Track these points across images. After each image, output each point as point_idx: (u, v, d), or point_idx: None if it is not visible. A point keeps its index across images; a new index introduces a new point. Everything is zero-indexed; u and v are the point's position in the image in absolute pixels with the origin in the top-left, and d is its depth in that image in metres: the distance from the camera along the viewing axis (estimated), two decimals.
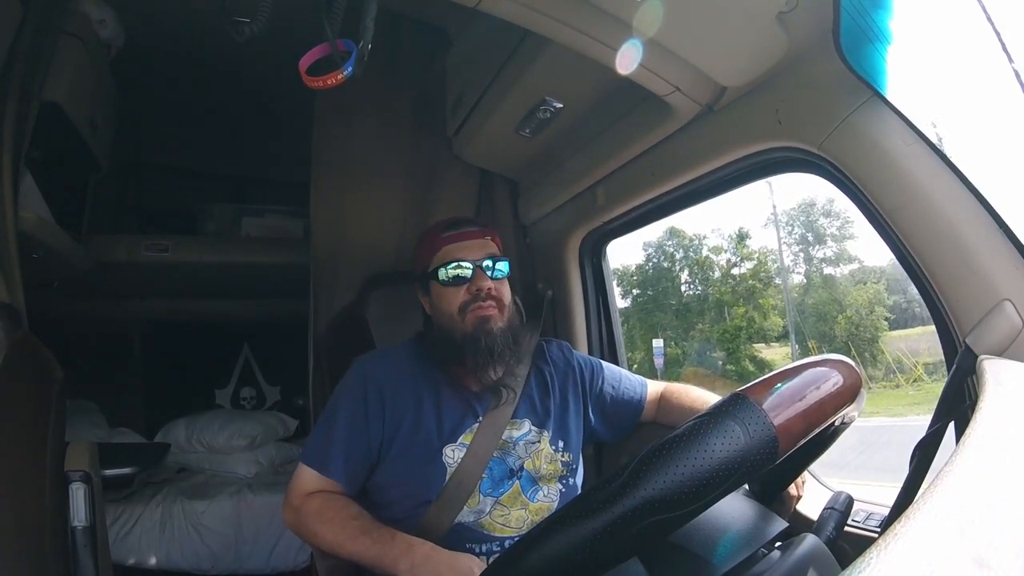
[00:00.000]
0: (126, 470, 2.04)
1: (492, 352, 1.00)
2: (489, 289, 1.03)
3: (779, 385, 0.56)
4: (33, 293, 1.08)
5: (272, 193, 2.74)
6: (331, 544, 0.92)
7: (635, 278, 11.09)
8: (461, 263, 1.03)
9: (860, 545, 0.40)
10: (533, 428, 1.06)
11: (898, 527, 0.37)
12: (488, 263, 1.05)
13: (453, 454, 0.99)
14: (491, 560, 0.93)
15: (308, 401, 1.62)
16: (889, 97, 0.83)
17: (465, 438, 1.01)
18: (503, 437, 1.02)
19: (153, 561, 2.11)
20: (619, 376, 1.19)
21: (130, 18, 1.57)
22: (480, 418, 1.03)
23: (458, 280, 1.03)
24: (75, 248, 1.60)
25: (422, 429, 1.00)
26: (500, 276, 1.06)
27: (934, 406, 0.76)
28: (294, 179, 2.16)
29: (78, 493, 0.94)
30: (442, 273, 1.04)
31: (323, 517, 0.93)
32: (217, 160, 2.80)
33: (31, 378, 0.98)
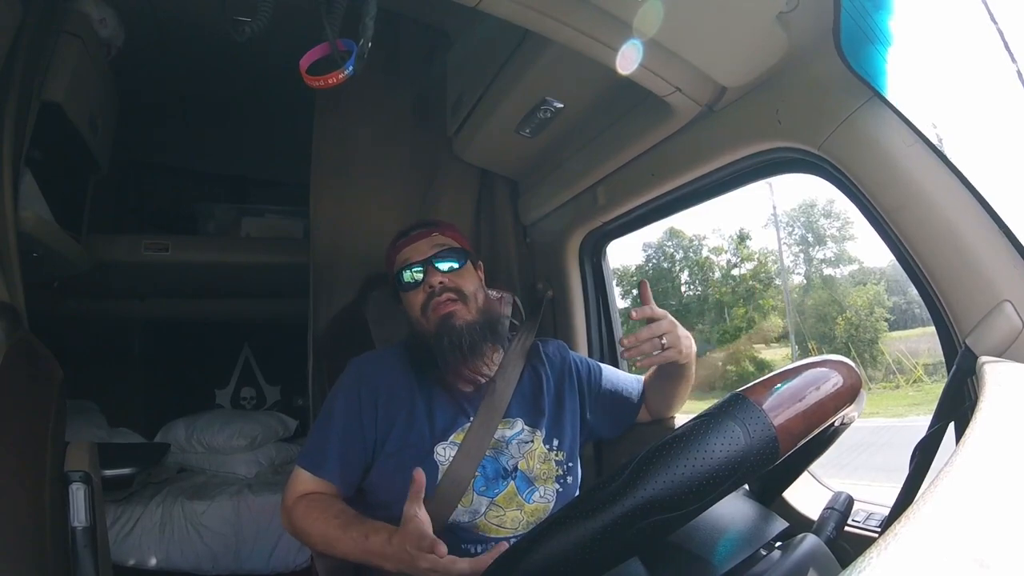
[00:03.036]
0: (126, 470, 2.04)
1: (459, 347, 1.00)
2: (442, 283, 1.03)
3: (779, 386, 0.56)
4: (33, 293, 1.08)
5: (272, 193, 2.75)
6: (320, 544, 0.93)
7: (635, 278, 11.09)
8: (412, 265, 1.05)
9: (860, 545, 0.40)
10: (526, 427, 1.06)
11: (898, 527, 0.37)
12: (436, 257, 1.05)
13: (444, 452, 0.99)
14: None
15: (308, 401, 1.62)
16: (889, 98, 0.83)
17: (456, 437, 1.01)
18: (496, 436, 1.02)
19: (153, 562, 2.11)
20: (615, 372, 1.20)
21: (130, 18, 1.57)
22: (472, 418, 1.03)
23: (414, 283, 1.05)
24: (75, 248, 1.60)
25: (414, 428, 1.01)
26: (453, 268, 1.06)
27: (934, 407, 0.76)
28: (294, 179, 2.16)
29: (78, 493, 0.94)
30: (399, 279, 1.06)
31: (310, 517, 0.94)
32: (217, 160, 2.80)
33: (31, 378, 0.98)
